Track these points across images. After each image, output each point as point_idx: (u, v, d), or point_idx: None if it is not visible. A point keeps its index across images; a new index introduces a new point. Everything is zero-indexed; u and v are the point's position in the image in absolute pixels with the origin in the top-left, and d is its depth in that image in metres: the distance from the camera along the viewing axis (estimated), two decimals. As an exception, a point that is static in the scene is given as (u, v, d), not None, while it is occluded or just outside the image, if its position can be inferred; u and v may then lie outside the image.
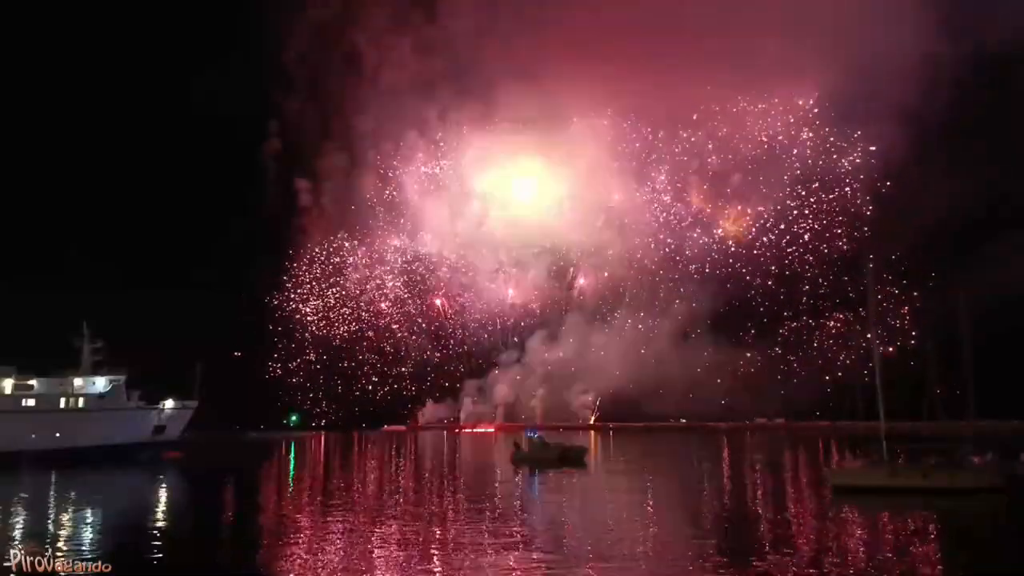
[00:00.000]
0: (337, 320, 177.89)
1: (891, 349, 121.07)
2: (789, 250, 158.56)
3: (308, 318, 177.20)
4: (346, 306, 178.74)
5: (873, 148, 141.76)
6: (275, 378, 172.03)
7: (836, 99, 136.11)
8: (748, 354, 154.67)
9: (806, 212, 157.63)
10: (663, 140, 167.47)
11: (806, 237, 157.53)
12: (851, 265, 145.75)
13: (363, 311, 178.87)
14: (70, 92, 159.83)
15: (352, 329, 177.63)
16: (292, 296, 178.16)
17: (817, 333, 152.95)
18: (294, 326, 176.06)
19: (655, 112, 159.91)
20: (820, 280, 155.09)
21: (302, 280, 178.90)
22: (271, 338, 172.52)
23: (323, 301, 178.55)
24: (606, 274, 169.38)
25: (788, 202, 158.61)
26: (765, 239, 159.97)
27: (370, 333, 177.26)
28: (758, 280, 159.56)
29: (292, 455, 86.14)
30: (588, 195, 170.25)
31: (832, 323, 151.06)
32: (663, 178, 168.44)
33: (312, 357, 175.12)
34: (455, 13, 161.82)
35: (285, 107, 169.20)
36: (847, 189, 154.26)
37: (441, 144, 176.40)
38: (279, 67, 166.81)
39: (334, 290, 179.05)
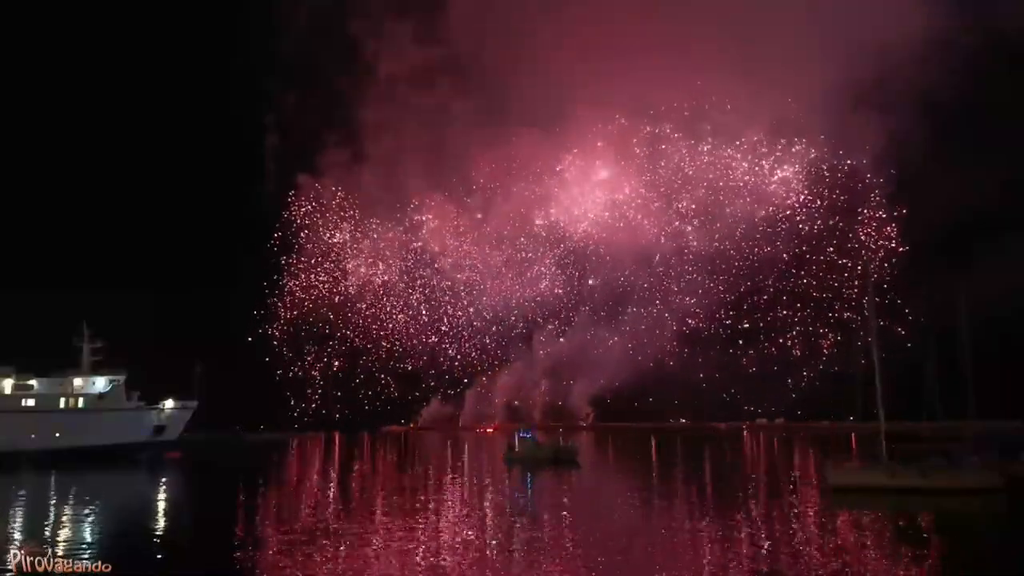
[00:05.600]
0: (338, 317, 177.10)
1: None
2: (791, 247, 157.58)
3: (308, 316, 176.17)
4: (347, 303, 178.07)
5: (882, 140, 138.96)
6: (274, 378, 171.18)
7: (847, 87, 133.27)
8: (749, 353, 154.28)
9: (812, 208, 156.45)
10: (668, 134, 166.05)
11: (809, 235, 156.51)
12: (853, 264, 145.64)
13: (365, 308, 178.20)
14: (68, 91, 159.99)
15: (354, 326, 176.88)
16: (292, 294, 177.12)
17: (817, 332, 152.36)
18: (294, 324, 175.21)
19: (660, 105, 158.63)
20: (822, 278, 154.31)
21: (303, 277, 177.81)
22: (271, 337, 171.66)
23: (324, 298, 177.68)
24: (624, 274, 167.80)
25: (790, 200, 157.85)
26: (764, 237, 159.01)
27: (372, 330, 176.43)
28: (760, 278, 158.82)
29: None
30: (594, 189, 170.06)
31: (833, 322, 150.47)
32: (670, 171, 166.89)
33: (312, 356, 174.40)
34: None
35: (284, 101, 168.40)
36: (856, 184, 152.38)
37: (444, 138, 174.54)
38: (277, 60, 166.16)
39: (335, 287, 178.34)
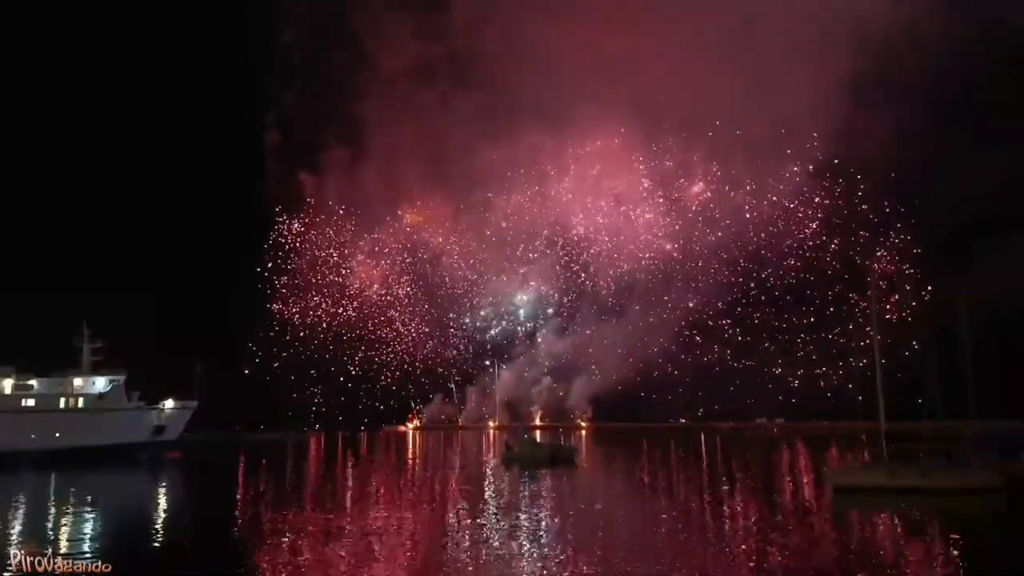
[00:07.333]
0: (339, 316, 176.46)
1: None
2: (791, 247, 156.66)
3: (309, 315, 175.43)
4: (349, 302, 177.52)
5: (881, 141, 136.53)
6: (275, 378, 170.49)
7: (846, 81, 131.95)
8: (748, 352, 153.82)
9: (813, 203, 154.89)
10: (670, 130, 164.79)
11: (810, 233, 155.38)
12: (855, 263, 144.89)
13: (366, 307, 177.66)
14: (68, 90, 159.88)
15: (354, 325, 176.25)
16: (293, 293, 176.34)
17: (817, 332, 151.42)
18: (295, 324, 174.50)
19: (663, 102, 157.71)
20: (823, 278, 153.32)
21: (304, 276, 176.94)
22: (271, 337, 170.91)
23: (325, 297, 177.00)
24: (625, 276, 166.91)
25: (788, 198, 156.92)
26: (766, 236, 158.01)
27: (372, 328, 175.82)
28: (760, 276, 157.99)
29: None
30: (596, 190, 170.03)
31: (833, 322, 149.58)
32: (671, 166, 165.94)
33: (312, 355, 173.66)
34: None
35: (284, 100, 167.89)
36: (857, 182, 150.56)
37: (444, 135, 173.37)
38: (277, 60, 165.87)
39: (337, 285, 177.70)
